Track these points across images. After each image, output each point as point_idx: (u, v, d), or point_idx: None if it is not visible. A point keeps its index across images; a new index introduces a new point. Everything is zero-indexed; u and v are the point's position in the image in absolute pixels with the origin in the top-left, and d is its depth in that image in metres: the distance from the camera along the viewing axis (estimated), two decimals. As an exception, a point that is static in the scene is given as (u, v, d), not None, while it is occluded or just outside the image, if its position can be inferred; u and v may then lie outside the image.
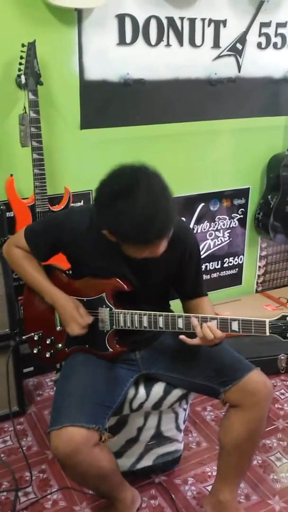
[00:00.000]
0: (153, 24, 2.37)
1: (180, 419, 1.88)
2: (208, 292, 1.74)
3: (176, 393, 1.74)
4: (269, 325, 1.41)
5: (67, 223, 1.60)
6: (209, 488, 1.82)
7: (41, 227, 1.72)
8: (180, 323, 1.51)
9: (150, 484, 1.92)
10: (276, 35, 2.71)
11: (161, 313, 1.53)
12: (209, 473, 1.97)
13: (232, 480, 1.68)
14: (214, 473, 1.82)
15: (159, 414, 1.82)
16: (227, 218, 2.98)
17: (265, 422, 1.61)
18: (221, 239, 3.01)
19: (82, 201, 2.45)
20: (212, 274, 3.05)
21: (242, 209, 3.01)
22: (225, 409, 1.64)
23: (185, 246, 1.59)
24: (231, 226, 3.01)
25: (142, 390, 1.73)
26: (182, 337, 1.48)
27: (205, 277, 2.98)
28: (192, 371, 1.66)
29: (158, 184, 1.35)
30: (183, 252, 1.59)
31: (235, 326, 1.44)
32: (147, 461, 1.89)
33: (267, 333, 1.41)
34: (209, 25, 2.50)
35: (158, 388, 1.73)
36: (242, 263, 3.15)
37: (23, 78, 2.07)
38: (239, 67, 2.67)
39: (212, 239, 2.97)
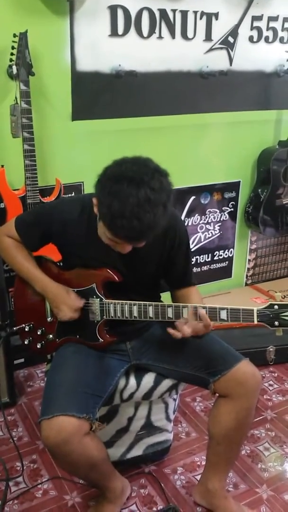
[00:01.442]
0: (145, 16, 2.36)
1: (170, 409, 1.90)
2: (198, 285, 1.75)
3: (166, 383, 1.76)
4: (257, 313, 1.43)
5: (56, 213, 1.61)
6: (198, 477, 1.85)
7: (31, 217, 1.73)
8: (170, 312, 1.52)
9: (140, 473, 1.94)
10: (267, 28, 2.72)
11: (151, 302, 1.55)
12: (198, 463, 1.99)
13: (221, 469, 1.70)
14: (203, 463, 1.84)
15: (149, 404, 1.84)
16: (218, 211, 3.00)
17: (253, 412, 1.63)
18: (211, 232, 3.02)
19: (73, 192, 2.45)
20: (203, 267, 3.07)
21: (233, 203, 3.03)
22: (214, 399, 1.66)
23: (175, 234, 1.60)
24: (221, 219, 3.03)
25: (132, 380, 1.74)
26: (170, 331, 1.50)
27: (195, 270, 3.00)
28: (182, 361, 1.68)
29: (163, 198, 1.33)
30: (172, 240, 1.60)
31: (223, 315, 1.46)
32: (137, 451, 1.91)
33: (255, 321, 1.43)
34: (201, 18, 2.50)
35: (149, 378, 1.75)
36: (232, 256, 3.17)
37: (14, 68, 2.06)
38: (231, 60, 2.67)
39: (202, 232, 2.99)
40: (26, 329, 1.76)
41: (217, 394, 1.62)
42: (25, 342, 1.78)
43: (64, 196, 2.34)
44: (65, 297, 1.60)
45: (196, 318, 1.47)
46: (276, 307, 1.43)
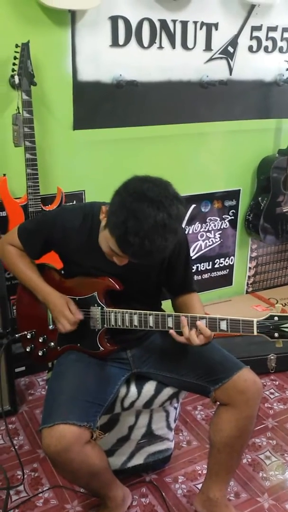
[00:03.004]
0: (145, 26, 2.39)
1: (171, 418, 1.90)
2: (199, 293, 1.76)
3: (167, 391, 1.76)
4: (257, 324, 1.42)
5: (58, 221, 1.62)
6: (199, 486, 1.84)
7: (33, 225, 1.74)
8: (170, 322, 1.52)
9: (141, 482, 1.93)
10: (267, 38, 2.74)
11: (151, 312, 1.55)
12: (199, 472, 1.99)
13: (222, 477, 1.70)
14: (204, 472, 1.84)
15: (150, 412, 1.84)
16: (218, 219, 3.01)
17: (254, 420, 1.63)
18: (212, 240, 3.03)
19: (74, 201, 2.46)
20: (203, 275, 3.07)
21: (233, 211, 3.04)
22: (215, 407, 1.66)
23: None
24: (222, 227, 3.04)
25: (133, 389, 1.74)
26: (171, 331, 1.50)
27: (196, 278, 3.00)
28: (182, 369, 1.68)
29: (177, 225, 1.34)
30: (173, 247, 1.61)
31: (223, 325, 1.46)
32: (138, 460, 1.91)
33: (255, 333, 1.42)
34: (201, 28, 2.53)
35: (149, 387, 1.75)
36: (233, 264, 3.17)
37: (16, 78, 2.08)
38: (231, 70, 2.70)
39: (203, 240, 3.00)
40: (28, 336, 1.76)
41: (218, 402, 1.62)
42: (27, 350, 1.78)
43: (65, 204, 2.36)
44: (64, 310, 1.60)
45: (195, 329, 1.47)
46: (276, 318, 1.42)
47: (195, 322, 1.47)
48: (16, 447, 2.06)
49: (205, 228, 2.98)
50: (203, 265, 3.05)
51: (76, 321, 1.60)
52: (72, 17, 2.22)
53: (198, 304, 1.70)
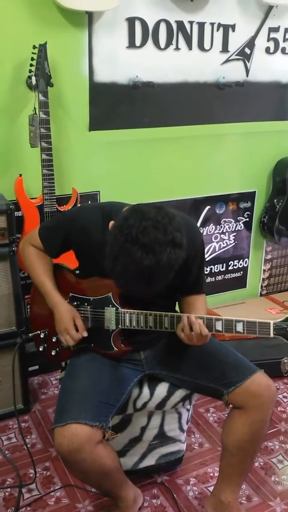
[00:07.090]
0: (162, 28, 2.39)
1: (183, 420, 1.90)
2: (212, 295, 1.75)
3: (180, 393, 1.76)
4: (274, 326, 1.42)
5: (78, 220, 1.61)
6: (211, 488, 1.84)
7: (53, 223, 1.75)
8: None
9: (153, 483, 1.93)
10: (284, 40, 2.73)
11: (166, 313, 1.55)
12: (211, 474, 1.98)
13: (234, 481, 1.69)
14: (216, 474, 1.83)
15: (163, 414, 1.84)
16: (233, 221, 3.00)
17: (268, 424, 1.61)
18: (226, 242, 3.02)
19: (89, 202, 2.47)
20: (217, 276, 3.06)
21: (248, 212, 3.02)
22: (228, 410, 1.65)
23: (191, 247, 1.60)
24: (236, 229, 3.03)
25: (146, 390, 1.74)
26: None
27: (209, 279, 2.99)
28: (195, 372, 1.67)
29: (164, 271, 1.32)
30: (189, 252, 1.60)
31: (239, 327, 1.46)
32: (149, 461, 1.91)
33: (271, 335, 1.42)
34: (218, 29, 2.52)
35: (162, 388, 1.75)
36: (247, 266, 3.16)
37: (33, 79, 2.10)
38: (247, 71, 2.69)
39: (217, 242, 2.99)
40: (41, 336, 1.77)
41: (230, 405, 1.61)
42: (40, 349, 1.79)
43: (85, 203, 2.35)
44: (68, 326, 1.61)
45: (189, 327, 1.48)
46: None
47: (212, 323, 1.47)
48: (28, 445, 2.07)
49: (220, 230, 2.97)
50: (217, 267, 3.04)
51: (80, 338, 1.61)
52: (89, 18, 2.23)
53: (202, 305, 1.68)
